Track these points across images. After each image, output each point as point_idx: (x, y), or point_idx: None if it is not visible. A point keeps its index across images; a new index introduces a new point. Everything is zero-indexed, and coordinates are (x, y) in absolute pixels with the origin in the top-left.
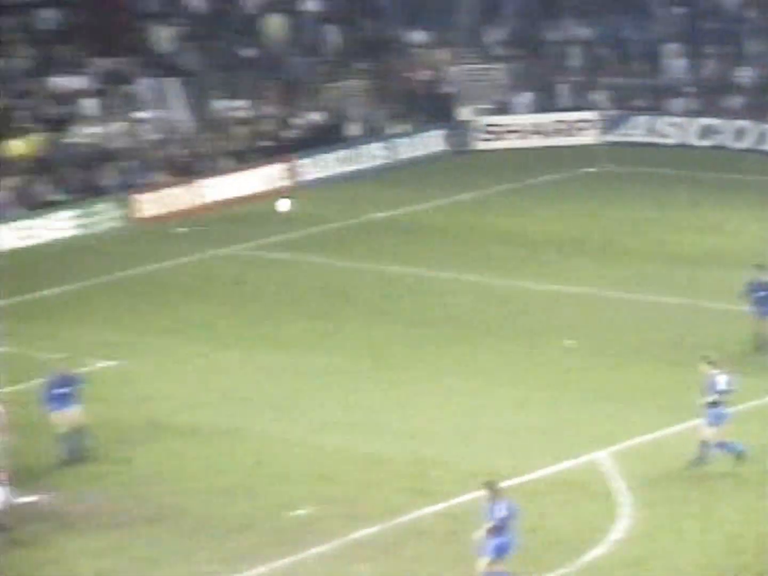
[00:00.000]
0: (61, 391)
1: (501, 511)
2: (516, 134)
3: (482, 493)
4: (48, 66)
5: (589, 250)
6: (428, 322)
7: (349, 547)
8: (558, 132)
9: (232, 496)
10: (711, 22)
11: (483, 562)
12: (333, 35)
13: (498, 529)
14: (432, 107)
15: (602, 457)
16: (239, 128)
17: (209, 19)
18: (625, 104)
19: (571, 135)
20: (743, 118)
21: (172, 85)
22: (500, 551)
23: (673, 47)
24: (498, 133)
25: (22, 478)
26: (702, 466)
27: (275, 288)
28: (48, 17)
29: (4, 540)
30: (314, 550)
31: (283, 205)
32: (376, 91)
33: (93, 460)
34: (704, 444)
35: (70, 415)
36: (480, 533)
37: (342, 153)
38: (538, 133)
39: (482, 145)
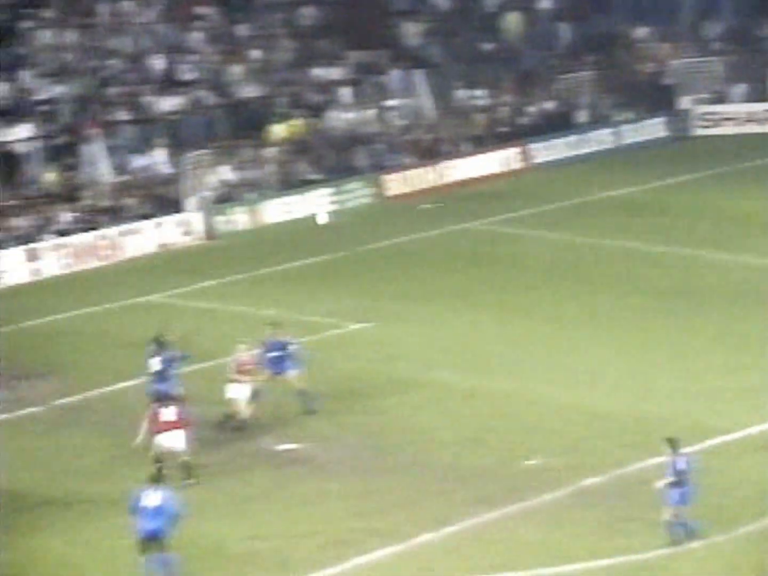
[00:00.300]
0: (275, 354)
1: (681, 464)
2: (731, 122)
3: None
4: (308, 58)
5: None
6: (645, 292)
7: (575, 495)
8: None
9: (470, 447)
10: None
11: (667, 511)
12: (565, 31)
13: (679, 481)
14: (654, 97)
15: None
16: (478, 115)
17: (453, 15)
18: None
19: None
20: None
21: (419, 76)
22: (682, 501)
23: None
24: (714, 121)
25: (285, 426)
26: None
27: (509, 260)
28: (309, 14)
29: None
30: (544, 498)
31: (322, 218)
32: (603, 82)
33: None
34: None
35: (285, 378)
36: (661, 484)
37: (571, 138)
38: (751, 120)
39: (700, 132)
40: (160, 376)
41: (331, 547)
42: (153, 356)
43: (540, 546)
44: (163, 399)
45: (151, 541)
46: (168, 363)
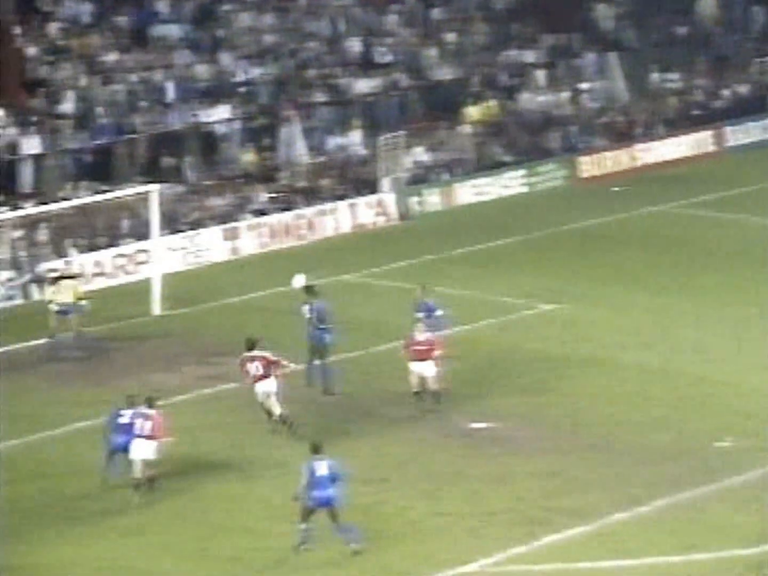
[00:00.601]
0: (421, 315)
1: None
2: None
3: None
4: (503, 41)
5: None
6: None
7: (765, 478)
8: None
9: (660, 428)
10: None
11: None
12: (760, 15)
13: None
14: None
15: None
16: (672, 98)
17: None
18: None
19: None
20: None
21: (613, 59)
22: None
23: None
24: None
25: (479, 404)
26: None
27: (701, 242)
28: None
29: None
30: (735, 479)
31: (298, 281)
32: None
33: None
34: None
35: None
36: None
37: (766, 122)
38: None
39: None
40: (315, 324)
41: (522, 526)
42: (304, 304)
43: (732, 528)
44: (318, 348)
45: (325, 509)
46: (317, 312)
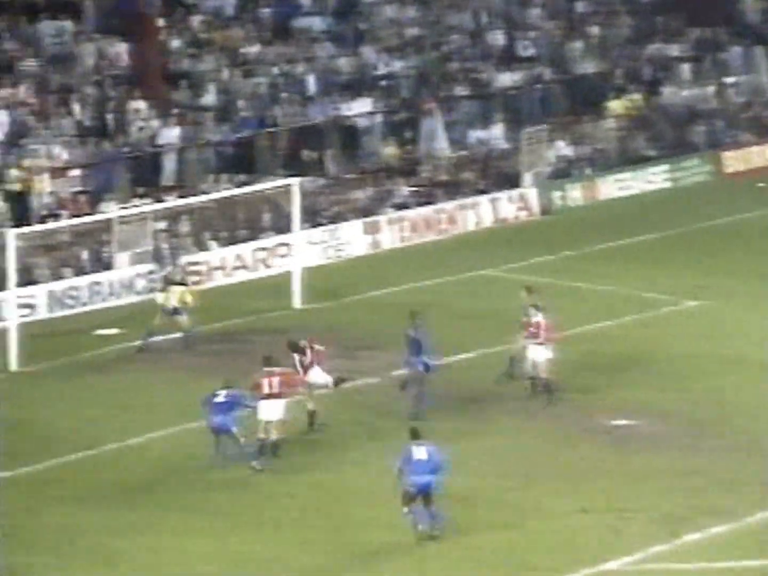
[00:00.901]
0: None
1: None
2: None
3: None
4: (647, 34)
5: None
6: None
7: None
8: None
9: None
10: None
11: None
12: None
13: None
14: None
15: None
16: None
17: None
18: None
19: None
20: None
21: (759, 53)
22: None
23: None
24: None
25: (619, 400)
26: None
27: None
28: None
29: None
30: None
31: None
32: None
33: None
34: None
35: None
36: None
37: None
38: None
39: None
40: (416, 349)
41: (664, 524)
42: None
43: None
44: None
45: (422, 494)
46: (414, 340)
